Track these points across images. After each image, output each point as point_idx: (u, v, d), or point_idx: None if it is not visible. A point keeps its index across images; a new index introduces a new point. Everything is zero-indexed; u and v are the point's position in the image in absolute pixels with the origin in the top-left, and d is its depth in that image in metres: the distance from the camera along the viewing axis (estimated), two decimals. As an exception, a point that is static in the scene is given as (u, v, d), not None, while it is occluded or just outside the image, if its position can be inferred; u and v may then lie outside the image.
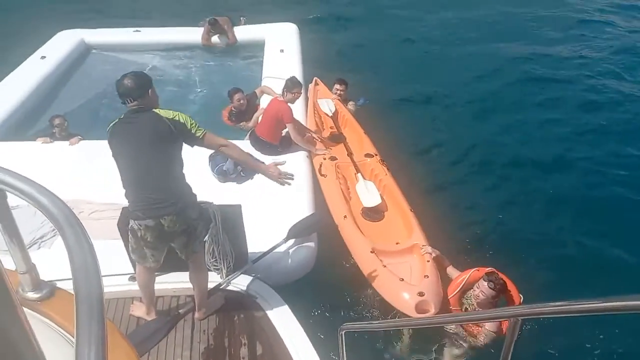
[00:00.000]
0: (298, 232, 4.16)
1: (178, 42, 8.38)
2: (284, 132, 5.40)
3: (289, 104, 5.20)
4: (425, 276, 3.96)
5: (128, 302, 3.63)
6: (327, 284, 4.22)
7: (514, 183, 5.97)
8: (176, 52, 8.32)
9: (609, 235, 5.05)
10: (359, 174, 5.17)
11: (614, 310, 1.19)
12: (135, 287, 3.54)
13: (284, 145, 5.40)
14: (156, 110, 2.95)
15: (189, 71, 7.95)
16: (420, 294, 3.75)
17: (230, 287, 3.74)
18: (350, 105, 6.47)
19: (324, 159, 5.37)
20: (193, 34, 8.34)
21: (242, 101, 6.13)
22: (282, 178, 3.77)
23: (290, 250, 4.12)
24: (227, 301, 3.62)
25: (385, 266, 4.07)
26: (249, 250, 3.91)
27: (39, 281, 1.93)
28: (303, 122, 5.84)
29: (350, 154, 5.45)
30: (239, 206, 3.61)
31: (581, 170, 6.18)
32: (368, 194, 4.88)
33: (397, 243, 4.46)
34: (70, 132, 5.71)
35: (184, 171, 3.08)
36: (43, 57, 7.27)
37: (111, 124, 3.00)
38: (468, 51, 9.26)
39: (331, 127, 6.03)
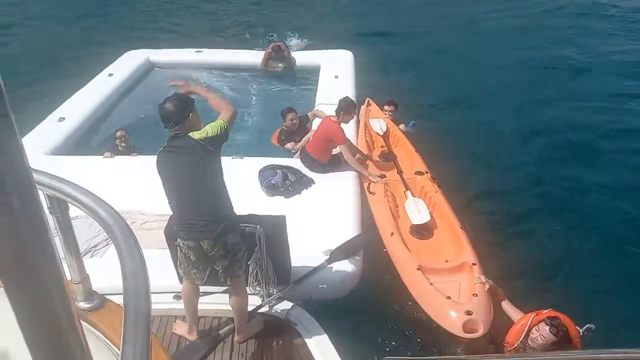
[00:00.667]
0: (342, 253, 4.14)
1: (236, 64, 8.64)
2: (334, 151, 5.44)
3: (341, 124, 5.21)
4: (474, 295, 3.85)
5: (171, 320, 3.69)
6: (370, 308, 4.12)
7: (580, 213, 5.62)
8: (234, 72, 8.58)
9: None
10: (408, 192, 5.14)
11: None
12: (178, 305, 3.62)
13: (333, 164, 5.44)
14: (190, 134, 3.01)
15: (245, 92, 8.16)
16: (468, 313, 3.66)
17: (270, 312, 3.72)
18: (401, 127, 6.48)
19: (366, 170, 5.43)
20: (251, 57, 8.60)
21: (294, 121, 6.22)
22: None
23: (333, 269, 4.09)
24: (267, 326, 3.61)
25: (432, 284, 4.00)
26: (293, 267, 3.92)
27: (91, 292, 1.99)
28: (354, 142, 5.87)
29: (399, 172, 5.45)
30: (284, 217, 3.64)
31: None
32: (417, 211, 4.83)
33: (446, 261, 4.38)
34: (131, 145, 6.02)
35: (227, 189, 3.15)
36: (110, 75, 7.70)
37: (158, 152, 3.12)
38: (525, 77, 9.17)
39: (382, 146, 6.07)
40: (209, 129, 3.05)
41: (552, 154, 6.77)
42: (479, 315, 3.68)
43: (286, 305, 3.75)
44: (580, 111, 7.86)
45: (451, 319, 3.71)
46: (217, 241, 3.08)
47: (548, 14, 12.50)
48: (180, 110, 3.01)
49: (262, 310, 3.73)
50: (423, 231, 4.79)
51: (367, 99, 6.91)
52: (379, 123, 6.22)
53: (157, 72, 8.51)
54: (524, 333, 3.54)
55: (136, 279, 1.24)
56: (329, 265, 4.10)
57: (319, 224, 4.53)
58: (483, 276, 3.98)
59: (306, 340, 3.46)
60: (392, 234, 4.60)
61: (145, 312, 1.14)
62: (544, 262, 4.89)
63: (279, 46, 8.37)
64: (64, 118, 6.45)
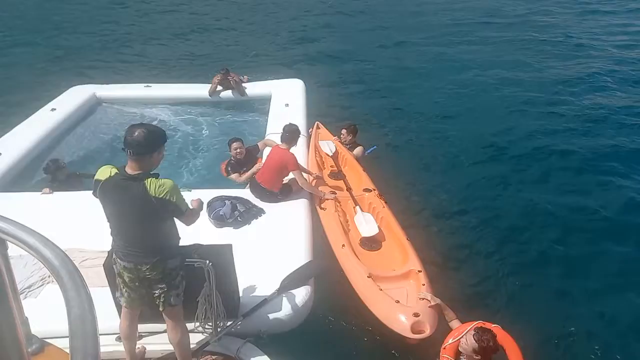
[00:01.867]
0: (292, 282, 4.08)
1: (186, 97, 8.59)
2: (285, 179, 5.42)
3: (290, 150, 5.24)
4: (421, 298, 4.08)
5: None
6: (323, 335, 4.10)
7: (518, 223, 6.00)
8: (184, 107, 8.52)
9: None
10: (357, 207, 5.37)
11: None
12: (121, 348, 3.42)
13: (284, 193, 5.42)
14: (147, 184, 2.81)
15: (196, 125, 8.11)
16: (416, 315, 3.87)
17: (221, 350, 3.56)
18: (358, 149, 6.56)
19: (319, 191, 5.57)
20: (200, 90, 8.56)
21: (238, 150, 6.19)
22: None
23: (284, 300, 3.99)
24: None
25: (381, 290, 4.18)
26: (242, 299, 3.82)
27: (30, 335, 1.90)
28: (304, 164, 5.99)
29: (349, 189, 5.73)
30: (230, 246, 3.53)
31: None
32: (366, 224, 5.06)
33: (393, 270, 4.59)
34: (70, 173, 5.89)
35: (175, 228, 3.09)
36: (53, 109, 7.46)
37: (100, 180, 2.91)
38: (468, 98, 9.81)
39: (332, 166, 6.37)
40: (174, 195, 2.86)
41: (491, 170, 7.20)
42: (426, 317, 3.87)
43: (236, 342, 3.59)
44: (522, 121, 8.59)
45: (400, 322, 3.88)
46: (156, 265, 2.99)
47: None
48: (148, 142, 2.81)
49: (211, 347, 3.57)
50: (372, 243, 5.01)
51: (317, 122, 7.21)
52: (328, 144, 6.49)
53: (104, 108, 8.33)
54: (463, 334, 3.56)
55: (84, 321, 1.16)
56: (280, 295, 4.01)
57: (269, 253, 4.47)
58: (429, 294, 4.08)
59: (258, 379, 3.32)
60: (343, 245, 4.77)
61: (94, 356, 1.09)
62: (485, 269, 5.21)
63: (227, 69, 8.37)
64: (0, 153, 6.18)
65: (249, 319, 3.79)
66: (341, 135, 6.65)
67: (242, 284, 3.76)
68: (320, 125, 7.15)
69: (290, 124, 5.45)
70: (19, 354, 0.69)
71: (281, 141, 5.38)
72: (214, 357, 3.50)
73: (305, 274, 4.20)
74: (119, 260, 3.04)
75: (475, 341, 3.31)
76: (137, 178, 2.84)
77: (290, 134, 5.29)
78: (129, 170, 2.87)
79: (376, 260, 4.81)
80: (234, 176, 6.20)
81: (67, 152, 6.83)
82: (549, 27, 14.36)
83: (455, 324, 3.87)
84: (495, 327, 3.55)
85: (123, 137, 2.86)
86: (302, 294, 4.07)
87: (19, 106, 8.22)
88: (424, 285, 4.25)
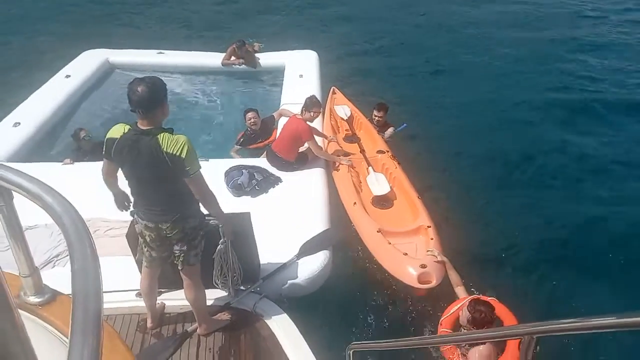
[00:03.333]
0: (310, 248, 4.14)
1: (200, 66, 8.53)
2: (300, 149, 5.44)
3: (307, 122, 5.24)
4: (428, 251, 4.28)
5: (134, 318, 3.61)
6: (339, 300, 4.20)
7: (534, 198, 5.95)
8: (198, 75, 8.47)
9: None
10: (370, 167, 5.51)
11: (629, 326, 1.11)
12: (141, 303, 3.53)
13: (300, 162, 5.45)
14: (160, 138, 2.79)
15: (210, 95, 8.08)
16: (423, 266, 4.06)
17: (238, 305, 3.68)
18: (388, 132, 6.46)
19: (337, 155, 5.70)
20: (215, 59, 8.48)
21: (253, 120, 6.19)
22: (229, 237, 3.42)
23: (302, 266, 4.07)
24: (235, 319, 3.56)
25: (390, 243, 4.37)
26: (262, 265, 3.89)
27: (41, 285, 1.91)
28: (320, 129, 6.07)
29: (362, 151, 5.86)
30: (248, 214, 3.59)
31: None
32: (378, 184, 5.23)
33: (404, 226, 4.77)
34: (95, 142, 5.83)
35: (189, 190, 3.01)
36: (67, 76, 7.45)
37: (115, 139, 2.88)
38: (486, 73, 9.49)
39: (346, 130, 6.45)
40: (185, 150, 2.79)
41: (516, 141, 7.10)
42: (433, 269, 4.06)
43: (254, 298, 3.71)
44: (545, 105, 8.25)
45: (407, 272, 4.08)
46: (176, 224, 3.03)
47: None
48: (154, 97, 2.77)
49: (231, 305, 3.69)
50: (384, 202, 5.19)
51: (333, 87, 7.27)
52: (344, 109, 6.59)
53: (118, 74, 8.31)
54: (459, 305, 3.67)
55: (86, 272, 1.15)
56: (299, 261, 4.09)
57: (287, 221, 4.52)
58: (437, 250, 4.22)
59: (274, 331, 3.44)
60: (355, 203, 4.96)
61: (96, 305, 1.05)
62: (494, 233, 5.29)
63: (243, 41, 8.29)
64: (19, 123, 6.19)
65: (269, 282, 3.88)
66: (373, 116, 6.49)
67: (261, 250, 3.82)
68: (337, 90, 7.21)
69: (311, 95, 5.46)
70: (5, 306, 0.67)
71: (300, 112, 5.39)
72: (231, 311, 3.62)
73: (324, 241, 4.27)
74: (140, 220, 3.09)
75: (470, 313, 3.37)
76: (150, 133, 2.81)
77: (308, 105, 5.28)
78: (141, 126, 2.85)
79: (387, 217, 4.99)
80: (233, 151, 6.25)
81: (84, 120, 6.84)
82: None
83: (459, 290, 3.96)
84: (492, 300, 3.60)
85: (127, 98, 2.81)
86: (320, 259, 4.14)
87: (30, 71, 8.26)
88: (432, 239, 4.42)
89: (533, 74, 9.36)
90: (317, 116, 5.33)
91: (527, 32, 11.58)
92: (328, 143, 6.00)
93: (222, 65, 8.32)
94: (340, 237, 4.49)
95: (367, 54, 10.59)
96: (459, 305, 3.66)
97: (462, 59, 10.07)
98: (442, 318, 3.70)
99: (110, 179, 3.15)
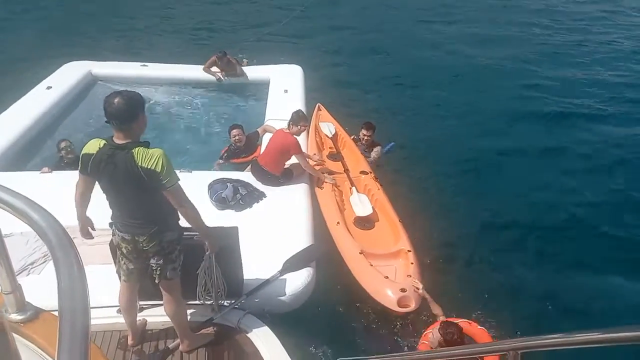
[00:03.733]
0: (294, 265, 4.13)
1: (184, 78, 8.51)
2: (286, 164, 5.45)
3: (294, 136, 5.26)
4: (408, 275, 4.39)
5: (115, 335, 3.56)
6: (323, 317, 4.22)
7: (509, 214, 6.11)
8: (182, 87, 8.44)
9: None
10: (353, 188, 5.58)
11: (614, 342, 1.14)
12: (122, 320, 3.48)
13: (286, 176, 5.45)
14: (135, 153, 2.77)
15: (193, 107, 8.05)
16: (403, 290, 4.18)
17: (221, 321, 3.65)
18: (375, 151, 6.49)
19: (322, 173, 5.76)
20: (200, 72, 8.47)
21: (237, 137, 6.23)
22: (213, 250, 3.40)
23: (287, 281, 4.07)
24: (218, 336, 3.53)
25: (372, 265, 4.46)
26: (245, 280, 3.86)
27: (23, 302, 1.87)
28: (304, 146, 6.06)
29: (346, 170, 5.93)
30: (236, 228, 3.58)
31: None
32: (361, 204, 5.29)
33: (384, 248, 4.85)
34: (77, 155, 5.77)
35: (167, 203, 2.97)
36: (49, 87, 7.36)
37: (91, 154, 2.86)
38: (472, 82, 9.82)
39: (330, 148, 6.52)
40: (159, 164, 2.76)
41: (489, 157, 7.29)
42: (412, 293, 4.19)
43: (238, 314, 3.68)
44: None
45: (387, 296, 4.19)
46: (153, 237, 3.00)
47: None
48: (130, 110, 2.75)
49: (214, 321, 3.65)
50: (365, 223, 5.26)
51: (318, 104, 7.33)
52: (328, 126, 6.67)
53: (101, 86, 8.22)
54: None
55: (72, 280, 1.15)
56: (282, 277, 4.08)
57: (271, 236, 4.51)
58: (418, 282, 4.28)
59: (259, 348, 3.41)
60: (338, 223, 5.04)
61: (83, 323, 1.04)
62: (473, 255, 5.41)
63: (224, 52, 8.30)
64: (-3, 133, 6.09)
65: (252, 297, 3.86)
66: (361, 135, 6.51)
67: (245, 265, 3.79)
68: (322, 107, 7.28)
69: (298, 110, 5.49)
70: None
71: (287, 126, 5.41)
72: (215, 327, 3.59)
73: (307, 256, 4.27)
74: (117, 232, 3.07)
75: (441, 335, 3.50)
76: (125, 147, 2.79)
77: (295, 119, 5.29)
78: (117, 140, 2.83)
79: (369, 238, 5.05)
80: (215, 166, 6.26)
81: (66, 132, 6.72)
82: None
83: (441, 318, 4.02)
84: (464, 322, 3.74)
85: (103, 109, 2.79)
86: (303, 276, 4.14)
87: (11, 81, 8.12)
88: (412, 264, 4.52)
89: (516, 87, 9.69)
90: (304, 130, 5.36)
91: (507, 46, 12.00)
92: (315, 164, 5.96)
93: (204, 71, 8.32)
94: (323, 253, 4.50)
95: (352, 69, 10.72)
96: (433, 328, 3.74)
97: (448, 73, 10.32)
98: (420, 344, 3.79)
99: (82, 198, 3.09)
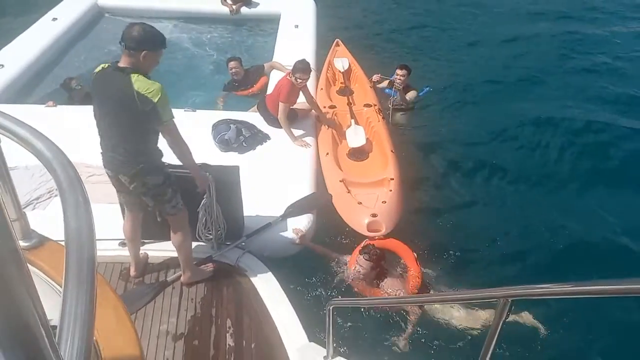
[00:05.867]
0: (295, 211, 4.16)
1: (194, 12, 8.31)
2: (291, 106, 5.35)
3: (301, 84, 5.10)
4: (383, 202, 4.48)
5: (117, 266, 3.66)
6: (321, 260, 4.22)
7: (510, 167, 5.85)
8: (191, 22, 8.26)
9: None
10: (352, 120, 5.57)
11: (603, 293, 1.16)
12: (124, 252, 3.58)
13: (289, 118, 5.31)
14: (133, 77, 2.76)
15: (201, 44, 7.89)
16: (374, 215, 4.26)
17: (220, 259, 3.74)
18: (411, 94, 6.40)
19: (324, 107, 5.75)
20: (210, 4, 8.26)
21: (234, 70, 6.20)
22: (202, 189, 3.43)
23: (287, 226, 4.11)
24: (217, 272, 3.63)
25: (349, 192, 4.58)
26: (246, 222, 3.91)
27: (28, 230, 1.92)
28: (315, 85, 6.04)
29: (350, 104, 5.90)
30: (237, 167, 3.57)
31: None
32: (355, 136, 5.31)
33: (371, 177, 4.93)
34: (88, 91, 5.67)
35: (155, 140, 2.99)
36: (54, 19, 7.21)
37: (96, 70, 2.94)
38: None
39: (342, 83, 6.45)
40: (157, 95, 2.75)
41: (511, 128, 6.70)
42: (383, 218, 4.27)
43: (237, 252, 3.77)
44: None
45: (358, 221, 4.29)
46: (135, 178, 3.00)
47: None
48: (143, 41, 2.78)
49: (214, 258, 3.74)
50: (359, 154, 5.31)
51: (337, 39, 7.19)
52: (342, 61, 6.61)
53: (108, 19, 8.06)
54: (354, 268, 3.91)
55: (78, 209, 1.15)
56: (283, 222, 4.11)
57: (273, 180, 4.52)
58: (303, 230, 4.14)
59: (256, 285, 3.52)
60: (327, 153, 5.11)
61: (90, 252, 1.05)
62: (461, 194, 5.37)
63: None
64: (3, 65, 6.04)
65: (252, 240, 3.91)
66: (396, 75, 6.33)
67: (246, 208, 3.83)
68: (340, 42, 7.17)
69: (302, 59, 5.20)
70: (10, 248, 0.64)
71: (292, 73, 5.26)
72: (214, 264, 3.68)
73: (310, 204, 4.28)
74: (104, 167, 3.10)
75: (366, 260, 3.73)
76: (124, 70, 2.79)
77: (297, 68, 5.05)
78: (121, 64, 2.84)
79: (359, 169, 5.14)
80: (219, 99, 6.24)
81: (72, 66, 6.68)
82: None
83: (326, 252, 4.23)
84: (379, 241, 4.02)
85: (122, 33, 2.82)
86: (304, 222, 4.17)
87: (17, 14, 7.95)
88: (390, 191, 4.59)
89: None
90: (304, 83, 5.10)
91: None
92: (317, 93, 6.03)
93: (222, 4, 8.20)
94: (326, 201, 4.50)
95: (368, 8, 10.27)
96: (354, 259, 3.93)
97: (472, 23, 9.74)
98: (350, 259, 3.98)
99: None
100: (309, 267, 4.13)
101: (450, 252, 4.46)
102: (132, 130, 2.92)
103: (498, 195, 5.44)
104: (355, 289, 3.88)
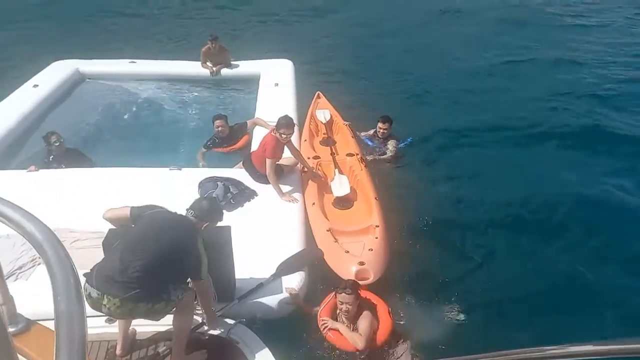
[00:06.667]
0: (286, 269, 4.10)
1: (173, 74, 8.45)
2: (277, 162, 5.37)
3: (285, 139, 5.16)
4: (369, 249, 4.50)
5: (103, 345, 3.49)
6: (314, 324, 4.04)
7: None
8: (171, 83, 8.38)
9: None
10: (336, 170, 5.69)
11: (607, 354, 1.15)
12: (111, 329, 3.44)
13: (276, 174, 5.31)
14: (199, 237, 3.12)
15: (183, 103, 7.98)
16: (361, 263, 4.26)
17: (211, 330, 3.58)
18: (391, 144, 6.53)
19: (308, 157, 5.86)
20: (189, 67, 8.44)
21: (219, 128, 6.28)
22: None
23: (279, 286, 4.02)
24: (207, 345, 3.46)
25: (336, 241, 4.59)
26: (237, 283, 3.82)
27: (15, 314, 1.86)
28: (297, 136, 6.07)
29: (333, 154, 6.04)
30: (229, 227, 3.53)
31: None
32: (339, 185, 5.42)
33: (356, 225, 4.96)
34: (67, 148, 5.77)
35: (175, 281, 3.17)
36: (35, 86, 7.26)
37: (149, 211, 3.18)
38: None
39: (324, 133, 6.65)
40: (205, 257, 3.13)
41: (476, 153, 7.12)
42: (371, 266, 4.28)
43: (229, 323, 3.61)
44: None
45: (346, 269, 4.27)
46: (125, 303, 2.93)
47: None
48: (209, 213, 3.24)
49: (203, 327, 3.59)
50: (344, 203, 5.39)
51: (318, 92, 7.45)
52: (324, 113, 6.86)
53: (89, 84, 8.13)
54: (334, 308, 3.88)
55: (69, 299, 1.13)
56: (275, 281, 4.03)
57: (262, 237, 4.47)
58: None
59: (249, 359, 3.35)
60: (314, 203, 5.18)
61: (80, 336, 1.05)
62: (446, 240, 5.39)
63: (216, 36, 8.29)
64: (-17, 132, 6.00)
65: (244, 302, 3.81)
66: (378, 128, 6.58)
67: (236, 267, 3.76)
68: (321, 95, 7.41)
69: (285, 115, 5.33)
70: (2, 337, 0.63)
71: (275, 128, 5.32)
72: (205, 337, 3.52)
73: (300, 261, 4.24)
74: (88, 286, 2.96)
75: (348, 294, 3.65)
76: (190, 220, 3.21)
77: (277, 125, 5.17)
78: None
79: (345, 217, 5.19)
80: (199, 155, 6.30)
81: (53, 129, 6.65)
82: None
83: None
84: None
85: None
86: (296, 280, 4.10)
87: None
88: (376, 238, 4.62)
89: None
90: (288, 138, 5.19)
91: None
92: (301, 144, 6.15)
93: (202, 67, 8.34)
94: (316, 258, 4.46)
95: (345, 64, 10.63)
96: (331, 300, 3.89)
97: (440, 71, 10.18)
98: (320, 309, 3.88)
99: (111, 221, 3.32)
100: (306, 329, 3.95)
101: (435, 299, 4.42)
102: (162, 268, 3.02)
103: (482, 241, 5.43)
104: (334, 340, 3.71)
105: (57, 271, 1.23)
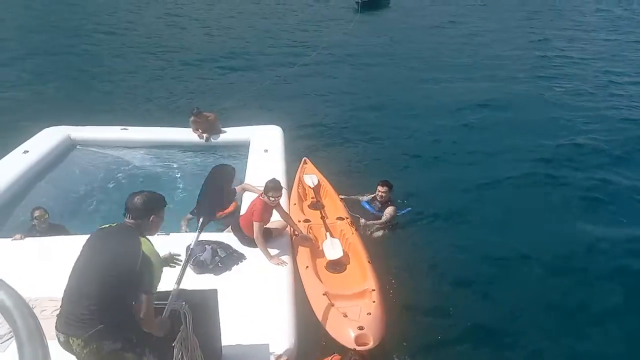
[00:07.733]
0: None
1: (164, 141, 8.57)
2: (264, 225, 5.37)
3: (274, 202, 5.22)
4: (367, 314, 4.46)
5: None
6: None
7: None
8: (161, 150, 8.48)
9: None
10: (327, 233, 5.74)
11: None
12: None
13: (265, 238, 5.29)
14: (142, 240, 2.84)
15: (173, 170, 8.05)
16: (360, 328, 4.20)
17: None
18: (389, 211, 6.57)
19: (299, 221, 5.87)
20: (179, 134, 8.58)
21: None
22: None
23: (267, 351, 3.86)
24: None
25: (333, 305, 4.53)
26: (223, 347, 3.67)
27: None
28: (286, 199, 6.13)
29: (323, 217, 6.13)
30: (215, 291, 3.45)
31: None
32: (332, 249, 5.42)
33: (351, 289, 4.93)
34: (51, 224, 5.69)
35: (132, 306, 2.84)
36: (25, 152, 7.30)
37: (100, 226, 3.02)
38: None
39: (312, 198, 6.76)
40: (158, 267, 2.87)
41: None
42: (370, 330, 4.21)
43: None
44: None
45: (345, 334, 4.21)
46: (89, 342, 2.74)
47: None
48: (146, 208, 2.95)
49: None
50: (337, 266, 5.38)
51: (305, 158, 7.70)
52: (311, 178, 7.01)
53: (80, 151, 8.20)
54: None
55: None
56: (262, 346, 3.88)
57: (250, 300, 4.39)
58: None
59: None
60: (307, 267, 5.16)
61: None
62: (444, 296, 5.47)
63: (197, 108, 8.45)
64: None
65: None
66: (377, 192, 6.67)
67: (223, 332, 3.64)
68: (308, 160, 7.63)
69: (272, 178, 5.41)
70: None
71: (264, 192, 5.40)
72: None
73: None
74: (56, 330, 2.82)
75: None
76: (132, 231, 2.89)
77: (269, 187, 5.24)
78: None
79: (339, 281, 5.17)
80: (183, 221, 6.29)
81: (40, 197, 6.61)
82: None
83: None
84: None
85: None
86: (285, 346, 3.96)
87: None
88: (374, 302, 4.59)
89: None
90: (277, 201, 5.26)
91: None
92: (290, 208, 6.20)
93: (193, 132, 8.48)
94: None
95: (333, 130, 10.96)
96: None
97: (425, 132, 10.66)
98: None
99: None
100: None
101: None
102: (111, 287, 2.78)
103: (481, 304, 5.47)
104: None
105: (24, 341, 1.20)
